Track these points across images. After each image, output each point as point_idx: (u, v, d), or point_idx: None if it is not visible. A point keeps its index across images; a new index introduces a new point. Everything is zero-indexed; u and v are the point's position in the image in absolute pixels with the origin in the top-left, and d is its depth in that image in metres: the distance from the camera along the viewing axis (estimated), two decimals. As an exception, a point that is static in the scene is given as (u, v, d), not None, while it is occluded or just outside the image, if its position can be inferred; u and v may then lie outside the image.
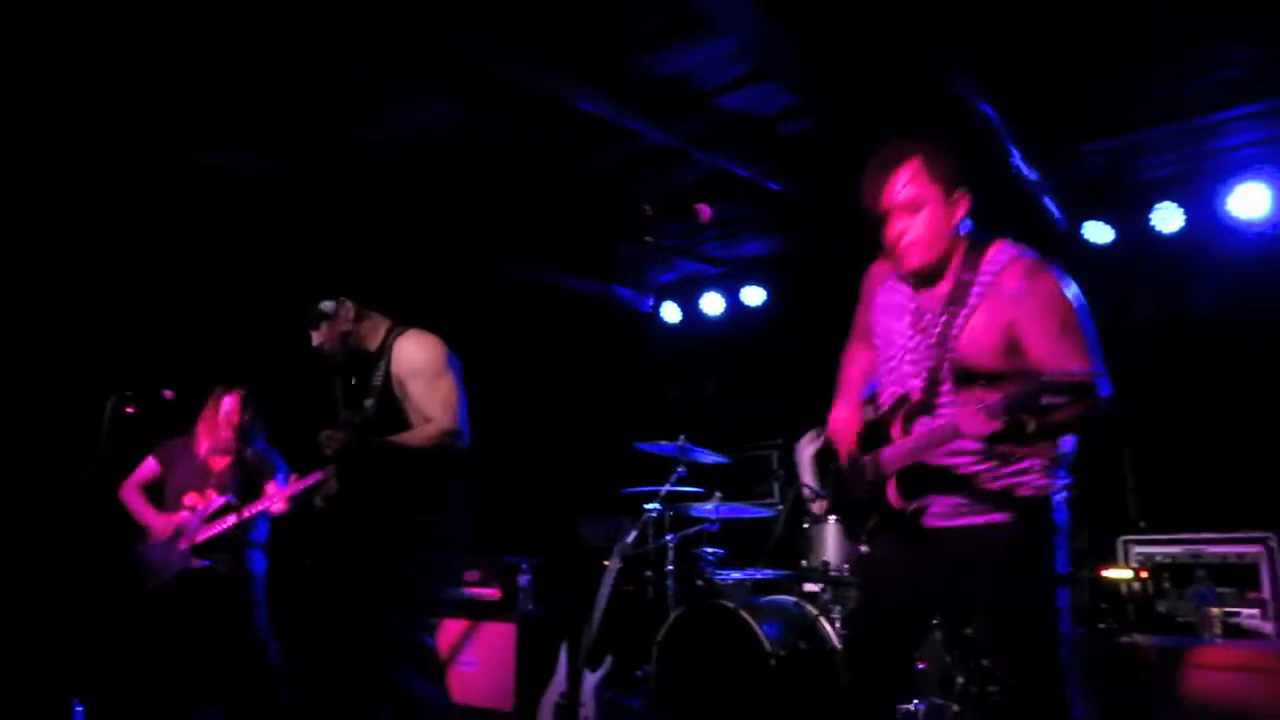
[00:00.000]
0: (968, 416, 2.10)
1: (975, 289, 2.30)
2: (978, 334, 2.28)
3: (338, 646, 3.16)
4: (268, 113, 4.43)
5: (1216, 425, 4.96)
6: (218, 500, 4.66)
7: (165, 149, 4.67)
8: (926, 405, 2.36)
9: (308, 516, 3.34)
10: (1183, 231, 5.10)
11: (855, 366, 2.77)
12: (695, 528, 5.08)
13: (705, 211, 3.40)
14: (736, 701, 4.08)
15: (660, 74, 4.07)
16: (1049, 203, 5.22)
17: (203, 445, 4.79)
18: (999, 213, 5.23)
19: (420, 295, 6.42)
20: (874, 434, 2.52)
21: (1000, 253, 2.33)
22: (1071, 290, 2.29)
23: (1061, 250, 5.41)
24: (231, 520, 4.55)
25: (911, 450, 2.35)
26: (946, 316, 2.32)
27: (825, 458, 2.75)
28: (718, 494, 4.95)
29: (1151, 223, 5.15)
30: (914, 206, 2.31)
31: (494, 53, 3.78)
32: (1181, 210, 5.08)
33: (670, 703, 4.36)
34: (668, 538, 5.07)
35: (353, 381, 3.44)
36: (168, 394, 4.30)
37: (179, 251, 5.50)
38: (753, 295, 6.75)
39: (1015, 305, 2.24)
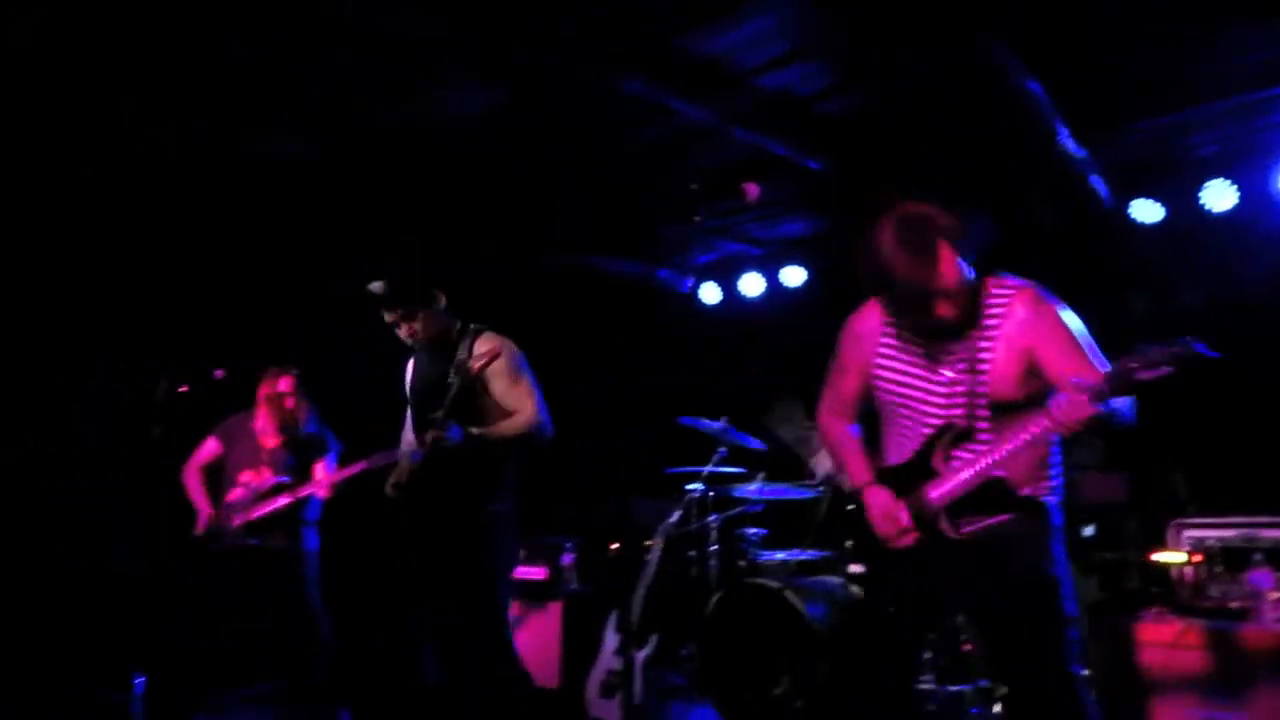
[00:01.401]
0: (1067, 405, 2.22)
1: (989, 323, 2.48)
2: (1003, 365, 2.45)
3: (442, 631, 3.25)
4: (311, 98, 4.49)
5: (1270, 407, 4.88)
6: (270, 479, 4.77)
7: (216, 133, 4.75)
8: (970, 432, 2.50)
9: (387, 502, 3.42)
10: (1235, 210, 5.01)
11: (844, 428, 2.83)
12: (738, 509, 5.10)
13: (753, 190, 3.40)
14: (781, 681, 4.11)
15: (699, 53, 4.06)
16: (1096, 181, 5.15)
17: (258, 424, 4.89)
18: (1044, 191, 5.25)
19: (462, 280, 6.57)
20: (898, 477, 2.63)
21: (1001, 286, 2.50)
22: (1068, 310, 2.50)
23: (1108, 229, 5.38)
24: (282, 501, 4.65)
25: (986, 467, 2.44)
26: (967, 351, 2.49)
27: (844, 514, 2.80)
28: (761, 474, 4.97)
29: (1201, 201, 5.06)
30: (954, 287, 2.42)
31: (535, 36, 3.81)
32: (1235, 187, 4.99)
33: (714, 682, 4.40)
34: (711, 518, 5.10)
35: (422, 372, 3.52)
36: (218, 373, 4.42)
37: (228, 235, 5.61)
38: (793, 276, 6.72)
39: (1030, 331, 2.43)
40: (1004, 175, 5.16)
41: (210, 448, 4.95)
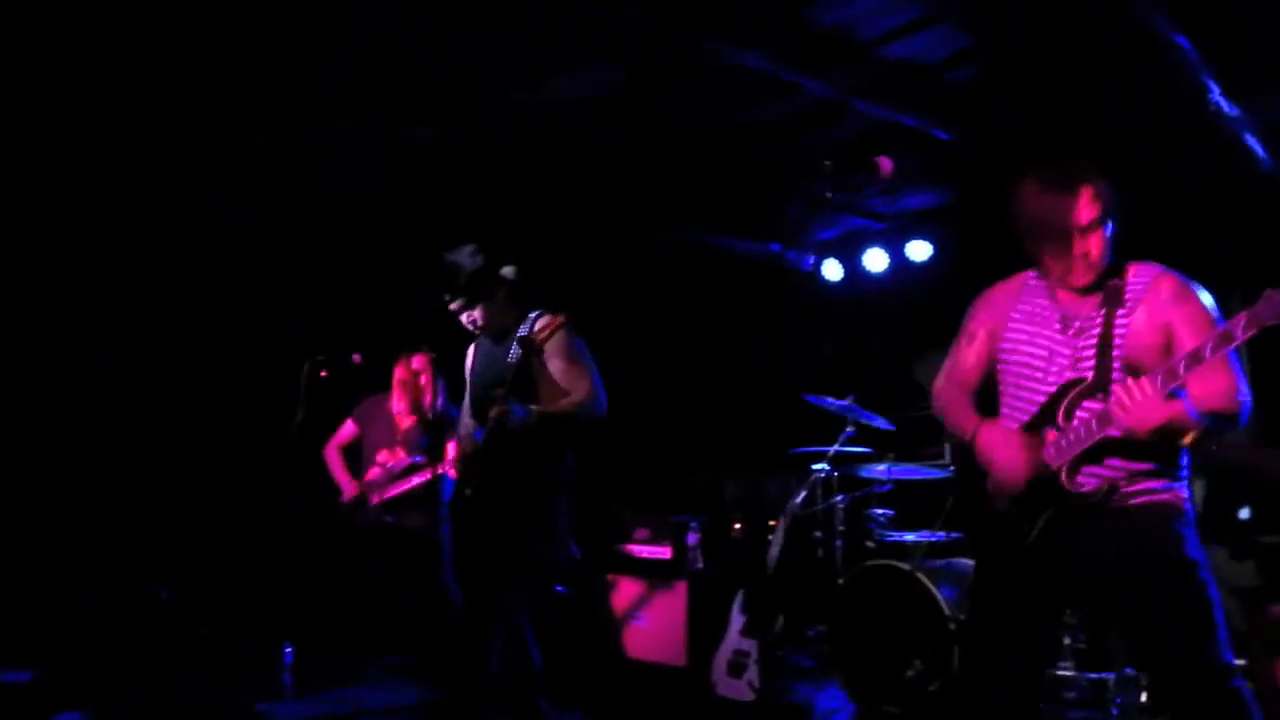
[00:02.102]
0: (1132, 401, 2.21)
1: (1129, 294, 2.47)
2: (1140, 333, 2.43)
3: (484, 603, 3.33)
4: (433, 83, 4.57)
5: None
6: (405, 460, 4.94)
7: (349, 124, 4.90)
8: (1100, 387, 2.42)
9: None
10: None
11: (958, 393, 2.76)
12: (865, 489, 5.02)
13: (886, 165, 3.31)
14: (913, 665, 4.04)
15: (822, 24, 3.97)
16: (1251, 140, 4.81)
17: (393, 405, 5.07)
18: (1194, 154, 4.95)
19: (583, 261, 6.65)
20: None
21: (1145, 268, 2.51)
22: (1210, 297, 2.47)
23: (1265, 192, 5.04)
24: (416, 481, 4.81)
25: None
26: (1103, 317, 2.46)
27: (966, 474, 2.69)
28: (890, 455, 4.87)
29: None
30: (1095, 228, 2.44)
31: (656, 14, 3.79)
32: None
33: (844, 663, 4.36)
34: (837, 499, 5.04)
35: (483, 358, 3.59)
36: (356, 358, 4.60)
37: (353, 223, 5.82)
38: (918, 250, 6.56)
39: (1173, 308, 2.42)
40: (1149, 137, 4.89)
41: (348, 429, 5.16)
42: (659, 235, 6.52)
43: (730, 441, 7.11)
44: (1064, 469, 2.40)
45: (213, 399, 5.48)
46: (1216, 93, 4.34)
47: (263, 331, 5.64)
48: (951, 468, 4.60)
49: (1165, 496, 2.39)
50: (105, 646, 4.45)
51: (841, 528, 5.01)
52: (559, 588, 4.82)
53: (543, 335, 3.33)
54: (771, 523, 6.25)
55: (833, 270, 7.13)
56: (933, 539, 4.68)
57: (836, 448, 5.01)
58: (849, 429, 4.98)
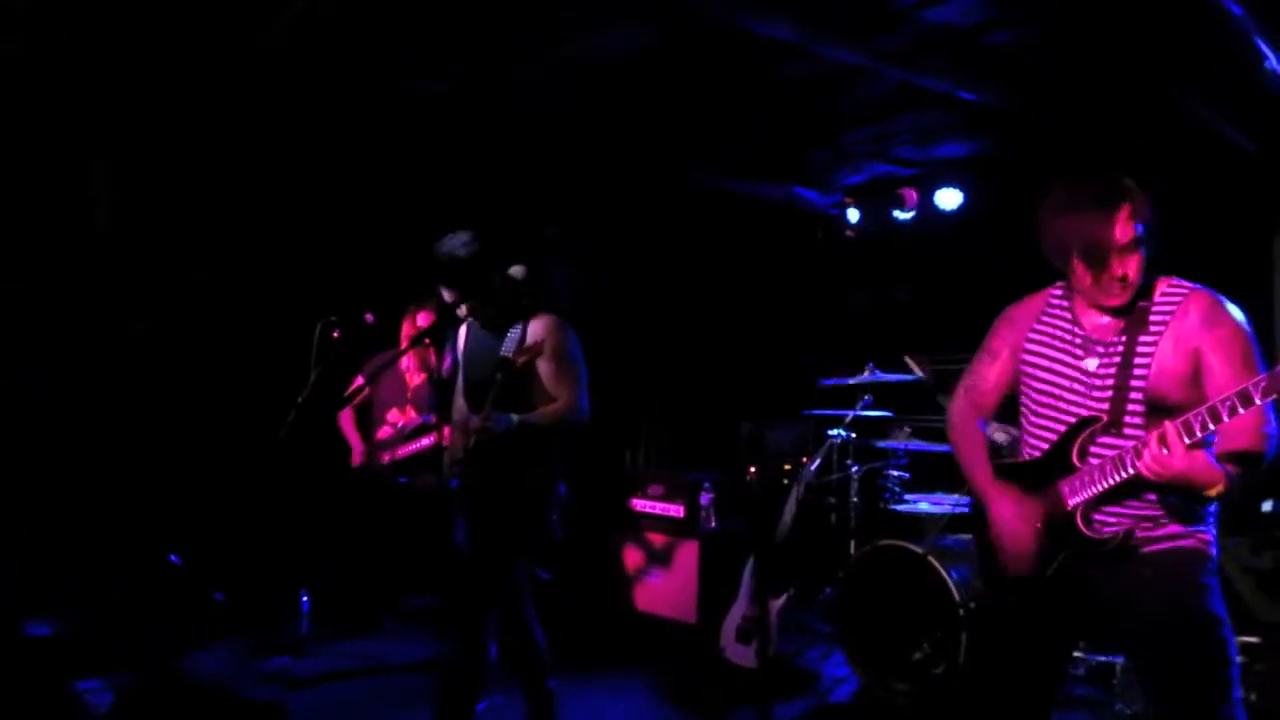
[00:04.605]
0: (1154, 451, 2.12)
1: (1155, 317, 2.33)
2: (1167, 362, 2.29)
3: (475, 595, 3.35)
4: (461, 36, 4.40)
5: None
6: (416, 419, 4.91)
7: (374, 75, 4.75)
8: (1115, 425, 2.31)
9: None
10: None
11: (973, 421, 2.68)
12: (882, 462, 4.98)
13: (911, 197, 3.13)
14: (921, 646, 4.05)
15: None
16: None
17: (403, 362, 5.01)
18: (1251, 119, 4.72)
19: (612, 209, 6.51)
20: (1031, 473, 2.45)
21: (1174, 286, 2.37)
22: (1244, 318, 2.33)
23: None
24: (426, 442, 4.79)
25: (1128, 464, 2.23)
26: (1126, 342, 2.34)
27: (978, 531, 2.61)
28: (907, 429, 4.81)
29: None
30: (1134, 249, 2.31)
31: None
32: None
33: (851, 640, 4.37)
34: (853, 469, 4.99)
35: (473, 344, 3.52)
36: (369, 317, 4.52)
37: (372, 175, 5.69)
38: (947, 198, 6.36)
39: (1203, 332, 2.28)
40: (1195, 102, 4.65)
41: (356, 385, 5.13)
42: (682, 179, 6.36)
43: (750, 387, 7.06)
44: (1079, 512, 2.32)
45: (227, 361, 5.47)
46: (1272, 60, 4.12)
47: (277, 289, 5.58)
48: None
49: (1188, 543, 2.29)
50: (121, 606, 4.52)
51: (856, 499, 4.97)
52: (542, 573, 4.85)
53: (520, 360, 3.25)
54: (786, 466, 6.26)
55: (857, 216, 6.95)
56: (950, 510, 4.63)
57: (855, 411, 4.93)
58: (867, 396, 4.90)
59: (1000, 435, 3.26)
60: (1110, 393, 2.33)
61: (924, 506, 4.77)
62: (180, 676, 4.05)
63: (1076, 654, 4.12)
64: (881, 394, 5.03)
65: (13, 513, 4.62)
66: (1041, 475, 2.42)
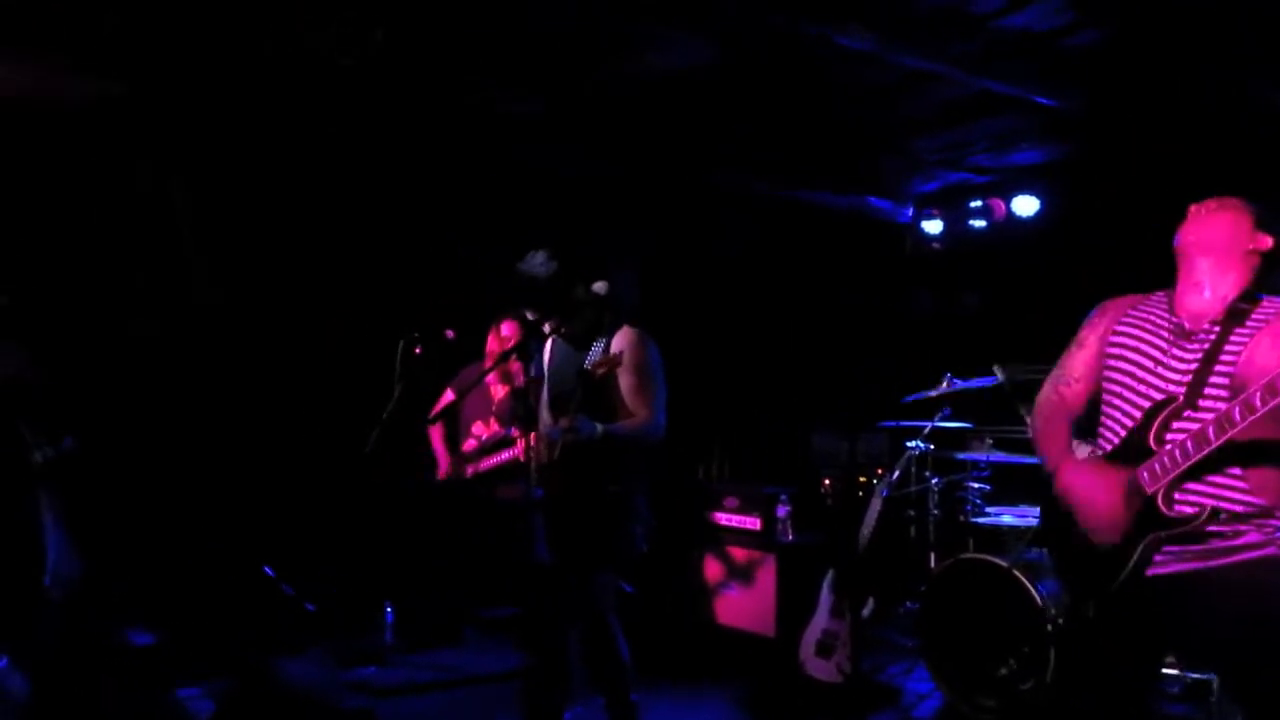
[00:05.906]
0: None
1: (1256, 317, 2.32)
2: (1258, 352, 2.25)
3: (557, 606, 3.39)
4: (533, 55, 4.49)
5: None
6: (499, 431, 4.98)
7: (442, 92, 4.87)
8: (1191, 404, 2.27)
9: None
10: None
11: (1058, 407, 2.62)
12: (962, 474, 4.92)
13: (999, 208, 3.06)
14: (1008, 662, 3.99)
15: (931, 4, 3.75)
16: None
17: (488, 375, 5.10)
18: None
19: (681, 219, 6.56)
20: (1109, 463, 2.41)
21: (1273, 300, 2.36)
22: None
23: None
24: (508, 455, 4.85)
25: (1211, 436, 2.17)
26: (1220, 333, 2.32)
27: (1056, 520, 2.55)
28: (988, 440, 4.74)
29: None
30: (1253, 257, 2.39)
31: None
32: None
33: (935, 656, 4.32)
34: (932, 481, 4.94)
35: (558, 358, 3.57)
36: (449, 334, 4.62)
37: (449, 195, 5.82)
38: (1024, 205, 6.28)
39: None
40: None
41: (446, 399, 5.23)
42: (754, 188, 6.37)
43: (822, 397, 7.03)
44: (1160, 494, 2.25)
45: (318, 378, 5.63)
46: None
47: (362, 308, 5.73)
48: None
49: (1270, 550, 2.23)
50: (217, 615, 4.68)
51: (936, 511, 4.91)
52: (626, 586, 4.88)
53: (599, 371, 3.30)
54: (862, 479, 6.21)
55: (932, 224, 6.90)
56: (1033, 523, 4.55)
57: (934, 423, 4.88)
58: (946, 408, 4.84)
59: (1085, 450, 3.20)
60: (1191, 374, 2.29)
61: (1007, 519, 4.69)
62: (275, 684, 4.17)
63: (1172, 671, 4.01)
64: (960, 405, 4.97)
65: (115, 522, 4.82)
66: (1120, 460, 2.36)
